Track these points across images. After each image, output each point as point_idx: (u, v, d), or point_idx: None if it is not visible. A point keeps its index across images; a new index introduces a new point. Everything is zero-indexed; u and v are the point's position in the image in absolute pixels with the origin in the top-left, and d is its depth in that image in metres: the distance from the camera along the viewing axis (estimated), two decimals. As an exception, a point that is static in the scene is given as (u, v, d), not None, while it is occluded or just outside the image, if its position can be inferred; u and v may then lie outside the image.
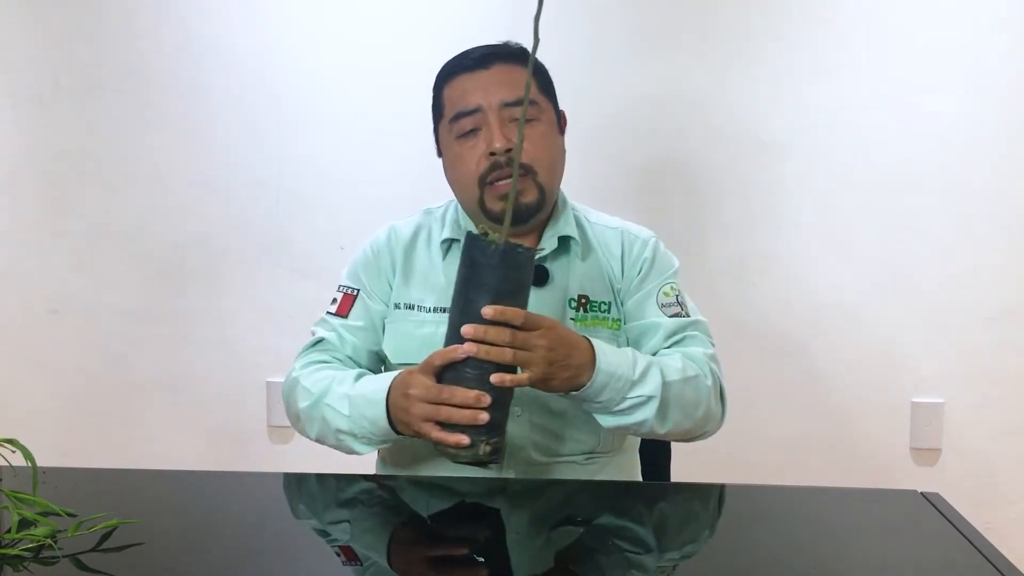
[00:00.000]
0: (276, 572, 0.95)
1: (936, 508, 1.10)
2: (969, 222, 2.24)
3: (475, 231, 1.10)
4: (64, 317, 2.43)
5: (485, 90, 1.32)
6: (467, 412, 1.08)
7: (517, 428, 1.32)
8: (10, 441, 1.00)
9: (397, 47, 2.31)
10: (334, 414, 1.28)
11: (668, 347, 1.36)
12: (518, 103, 1.28)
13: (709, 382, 1.31)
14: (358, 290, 1.43)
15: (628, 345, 1.38)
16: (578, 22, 2.25)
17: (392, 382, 1.21)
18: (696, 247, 2.28)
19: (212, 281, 2.39)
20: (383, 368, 1.43)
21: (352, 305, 1.42)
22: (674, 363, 1.28)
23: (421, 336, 1.36)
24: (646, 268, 1.41)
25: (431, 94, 1.42)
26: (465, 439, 1.09)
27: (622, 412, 1.22)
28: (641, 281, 1.40)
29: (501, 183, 1.31)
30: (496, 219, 1.32)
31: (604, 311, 1.39)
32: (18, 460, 1.01)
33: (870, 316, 2.28)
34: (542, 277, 1.37)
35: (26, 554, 0.92)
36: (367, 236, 1.49)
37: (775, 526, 1.10)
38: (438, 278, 1.40)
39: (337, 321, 1.42)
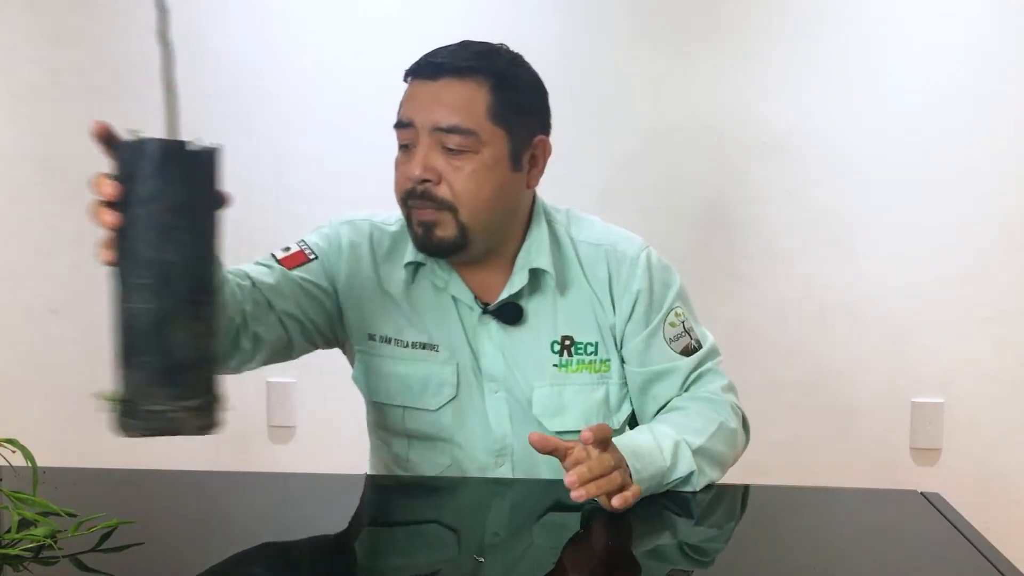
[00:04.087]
0: (275, 572, 0.95)
1: (936, 508, 1.10)
2: (969, 222, 2.24)
3: None
4: (64, 317, 2.42)
5: (425, 107, 1.18)
6: None
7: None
8: (10, 441, 0.99)
9: (397, 46, 2.30)
10: None
11: (685, 388, 1.28)
12: (452, 131, 1.16)
13: (734, 424, 1.25)
14: (316, 257, 1.27)
15: (629, 390, 1.29)
16: (578, 22, 2.25)
17: None
18: (696, 247, 2.28)
19: (212, 281, 2.39)
20: (292, 347, 1.25)
21: (303, 265, 1.26)
22: (693, 423, 1.20)
23: (398, 375, 1.26)
24: (643, 301, 1.26)
25: None
26: None
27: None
28: (643, 317, 1.27)
29: (417, 210, 1.20)
30: (416, 245, 1.23)
31: (590, 352, 1.26)
32: (18, 460, 1.01)
33: (870, 316, 2.28)
34: (516, 316, 1.24)
35: (26, 554, 0.92)
36: (341, 211, 1.36)
37: (775, 526, 1.10)
38: (407, 305, 1.27)
39: (278, 268, 1.24)
